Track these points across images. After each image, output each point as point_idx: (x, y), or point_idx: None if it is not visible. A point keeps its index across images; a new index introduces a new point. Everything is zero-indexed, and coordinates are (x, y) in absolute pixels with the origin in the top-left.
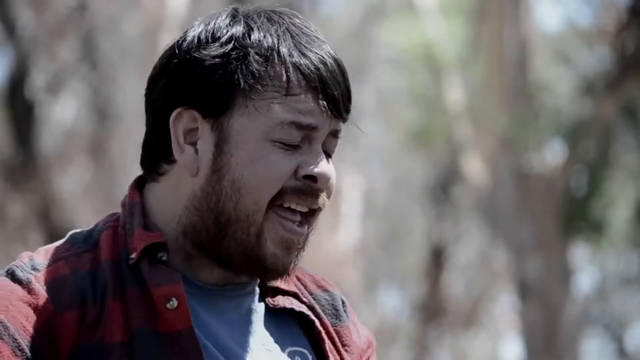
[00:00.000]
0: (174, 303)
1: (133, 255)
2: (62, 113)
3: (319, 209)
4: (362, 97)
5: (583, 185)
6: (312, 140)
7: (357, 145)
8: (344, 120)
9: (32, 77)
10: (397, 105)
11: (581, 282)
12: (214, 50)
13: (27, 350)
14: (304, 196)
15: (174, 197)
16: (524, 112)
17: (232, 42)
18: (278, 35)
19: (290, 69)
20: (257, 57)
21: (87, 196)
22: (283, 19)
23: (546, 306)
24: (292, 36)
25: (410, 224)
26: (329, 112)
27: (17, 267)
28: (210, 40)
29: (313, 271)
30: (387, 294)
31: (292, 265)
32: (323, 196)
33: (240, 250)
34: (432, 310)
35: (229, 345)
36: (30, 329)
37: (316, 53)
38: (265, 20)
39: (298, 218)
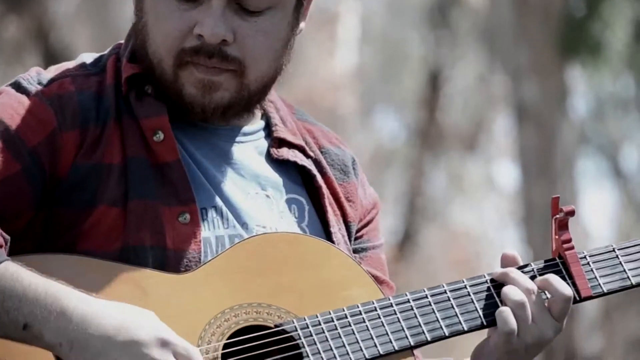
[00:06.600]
0: (160, 136)
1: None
2: None
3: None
4: None
5: (581, 6)
6: None
7: None
8: None
9: None
10: None
11: (577, 104)
12: None
13: (29, 159)
14: (204, 57)
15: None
16: None
17: None
18: None
19: None
20: None
21: (83, 18)
22: None
23: (542, 128)
24: None
25: (407, 48)
26: None
27: (23, 79)
28: None
29: (328, 128)
30: (384, 119)
31: (217, 104)
32: (239, 58)
33: (166, 87)
34: (429, 135)
35: (226, 186)
36: (34, 141)
37: None
38: None
39: (213, 63)
